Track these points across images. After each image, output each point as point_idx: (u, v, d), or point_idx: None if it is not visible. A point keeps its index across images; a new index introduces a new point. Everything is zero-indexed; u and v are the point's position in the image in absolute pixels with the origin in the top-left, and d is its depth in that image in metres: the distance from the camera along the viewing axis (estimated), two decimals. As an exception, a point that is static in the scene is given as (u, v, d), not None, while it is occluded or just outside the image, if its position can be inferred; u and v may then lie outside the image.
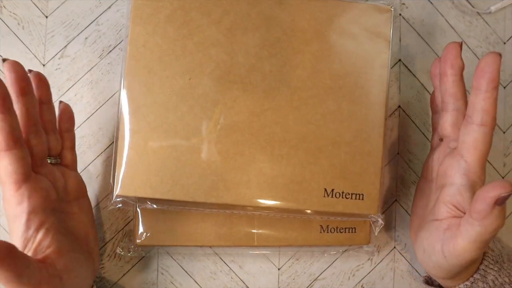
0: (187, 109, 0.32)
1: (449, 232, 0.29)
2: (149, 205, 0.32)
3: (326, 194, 0.32)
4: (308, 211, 0.33)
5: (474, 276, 0.31)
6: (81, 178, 0.34)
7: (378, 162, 0.33)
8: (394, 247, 0.41)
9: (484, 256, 0.32)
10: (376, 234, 0.36)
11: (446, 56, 0.30)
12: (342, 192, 0.32)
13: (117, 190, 0.31)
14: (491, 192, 0.25)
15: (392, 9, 0.34)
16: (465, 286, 0.32)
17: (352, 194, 0.32)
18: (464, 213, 0.29)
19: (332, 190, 0.32)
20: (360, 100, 0.33)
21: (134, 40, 0.31)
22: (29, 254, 0.28)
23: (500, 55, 0.27)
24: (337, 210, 0.32)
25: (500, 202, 0.25)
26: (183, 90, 0.32)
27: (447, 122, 0.32)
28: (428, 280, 0.37)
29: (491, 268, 0.31)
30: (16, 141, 0.27)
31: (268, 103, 0.32)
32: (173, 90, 0.32)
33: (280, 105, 0.32)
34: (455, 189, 0.30)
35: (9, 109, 0.26)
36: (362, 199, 0.32)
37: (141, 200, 0.32)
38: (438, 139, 0.34)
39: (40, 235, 0.28)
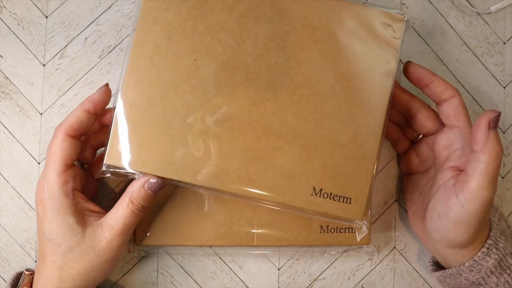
0: (189, 88, 0.31)
1: (459, 183, 0.32)
2: (138, 175, 0.32)
3: (314, 193, 0.32)
4: (294, 207, 0.33)
5: (488, 242, 0.33)
6: (98, 185, 0.37)
7: (370, 169, 0.33)
8: (394, 247, 0.41)
9: (490, 226, 0.34)
10: (358, 240, 0.36)
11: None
12: (330, 194, 0.32)
13: (106, 159, 0.31)
14: (483, 118, 0.30)
15: (405, 19, 0.33)
16: (482, 253, 0.33)
17: (340, 196, 0.32)
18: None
19: (321, 190, 0.32)
20: (361, 104, 0.33)
21: (146, 14, 0.31)
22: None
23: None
24: (322, 210, 0.32)
25: (492, 124, 0.30)
26: (187, 70, 0.32)
27: (422, 120, 0.36)
28: (435, 267, 0.38)
29: (499, 236, 0.33)
30: (80, 135, 0.32)
31: (269, 94, 0.32)
32: (177, 68, 0.31)
33: (281, 98, 0.32)
34: (458, 152, 0.34)
35: (93, 110, 0.32)
36: (350, 203, 0.32)
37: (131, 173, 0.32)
38: (409, 141, 0.39)
39: (86, 205, 0.33)
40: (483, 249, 0.33)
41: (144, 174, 0.31)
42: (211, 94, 0.32)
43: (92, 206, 0.33)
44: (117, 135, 0.31)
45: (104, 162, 0.31)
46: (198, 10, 0.32)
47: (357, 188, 0.32)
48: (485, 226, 0.34)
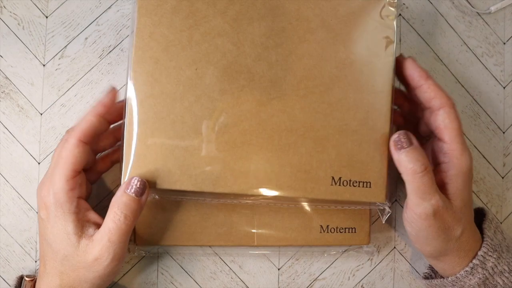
0: (194, 99, 0.31)
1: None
2: (153, 196, 0.32)
3: (333, 182, 0.32)
4: (316, 200, 0.33)
5: (473, 261, 0.33)
6: (91, 188, 0.36)
7: (384, 150, 0.33)
8: (394, 247, 0.41)
9: (483, 243, 0.33)
10: (383, 223, 0.36)
11: (412, 73, 0.33)
12: (350, 180, 0.32)
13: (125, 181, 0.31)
14: (390, 142, 0.32)
15: None
16: (465, 272, 0.33)
17: (359, 182, 0.32)
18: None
19: (340, 178, 0.32)
20: (366, 88, 0.33)
21: (140, 31, 0.31)
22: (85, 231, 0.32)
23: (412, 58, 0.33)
24: (345, 198, 0.32)
25: (396, 146, 0.31)
26: (190, 80, 0.31)
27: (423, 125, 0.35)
28: (428, 276, 0.38)
29: (489, 255, 0.33)
30: (91, 141, 0.32)
31: (274, 92, 0.32)
32: (180, 80, 0.31)
33: (286, 94, 0.32)
34: (437, 167, 0.34)
35: (104, 114, 0.32)
36: (370, 186, 0.32)
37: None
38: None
39: (89, 215, 0.32)
40: (467, 268, 0.33)
41: (162, 190, 0.31)
42: (217, 101, 0.32)
43: (93, 217, 0.32)
44: (130, 156, 0.31)
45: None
46: (191, 19, 0.32)
47: (375, 171, 0.33)
48: (461, 239, 0.32)
